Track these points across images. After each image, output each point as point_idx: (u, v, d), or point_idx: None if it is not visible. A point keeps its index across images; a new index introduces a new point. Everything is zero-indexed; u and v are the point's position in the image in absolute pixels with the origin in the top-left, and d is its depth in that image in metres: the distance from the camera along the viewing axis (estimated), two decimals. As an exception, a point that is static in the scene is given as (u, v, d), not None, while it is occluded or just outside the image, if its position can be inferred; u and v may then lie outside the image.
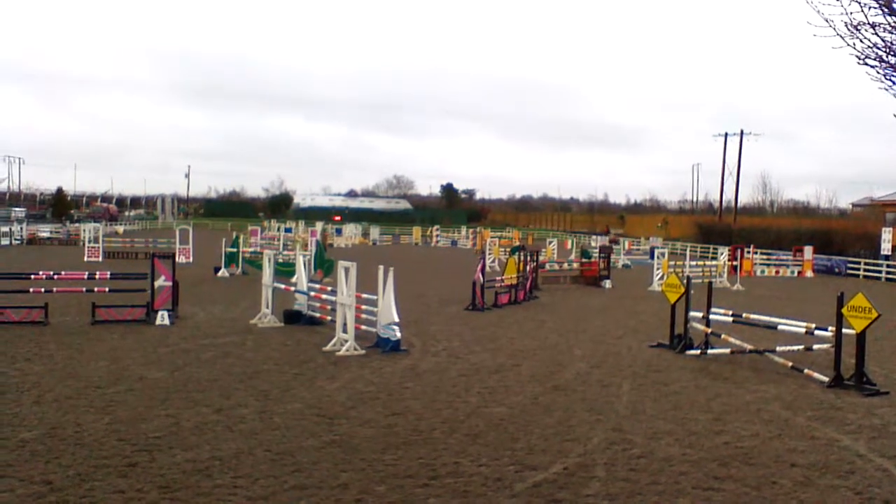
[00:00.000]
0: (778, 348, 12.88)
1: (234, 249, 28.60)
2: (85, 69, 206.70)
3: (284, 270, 23.22)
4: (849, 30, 7.39)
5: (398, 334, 13.16)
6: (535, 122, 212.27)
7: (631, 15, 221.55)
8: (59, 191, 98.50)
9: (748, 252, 37.32)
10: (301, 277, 16.74)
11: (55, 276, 16.47)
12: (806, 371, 11.93)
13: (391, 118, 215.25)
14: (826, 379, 11.39)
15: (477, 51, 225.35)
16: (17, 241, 45.41)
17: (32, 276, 16.27)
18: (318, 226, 50.38)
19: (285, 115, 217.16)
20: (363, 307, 13.65)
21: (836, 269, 39.97)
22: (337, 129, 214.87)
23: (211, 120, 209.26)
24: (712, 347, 13.64)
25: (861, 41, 7.42)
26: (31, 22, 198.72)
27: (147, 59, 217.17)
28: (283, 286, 17.03)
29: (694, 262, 32.05)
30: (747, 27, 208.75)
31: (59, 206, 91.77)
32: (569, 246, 45.11)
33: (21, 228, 48.16)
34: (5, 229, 46.72)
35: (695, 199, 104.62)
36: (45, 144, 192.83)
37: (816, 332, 11.89)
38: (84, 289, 16.86)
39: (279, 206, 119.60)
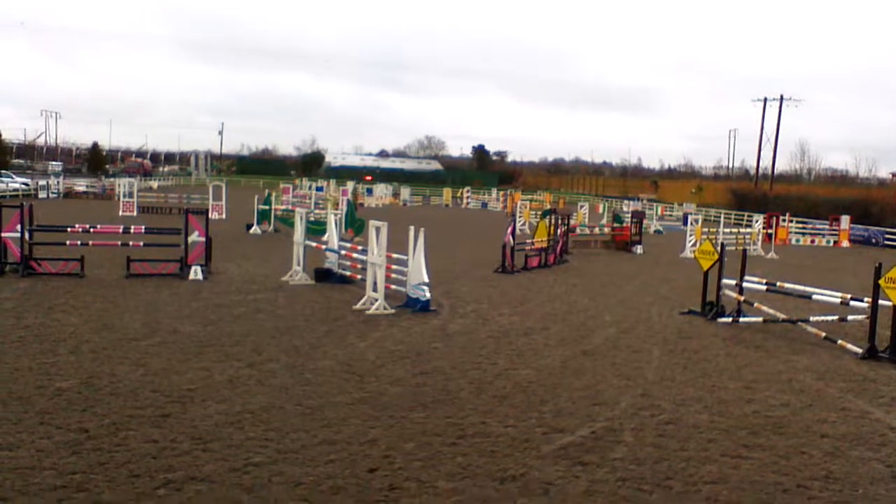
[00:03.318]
0: (812, 318, 12.71)
1: (267, 207, 28.79)
2: (114, 25, 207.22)
3: (315, 229, 23.32)
4: None
5: (428, 294, 13.19)
6: (570, 85, 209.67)
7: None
8: (95, 146, 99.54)
9: (783, 220, 36.76)
10: (332, 236, 16.81)
11: (91, 230, 16.71)
12: (839, 342, 11.77)
13: (418, 79, 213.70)
14: (860, 350, 11.23)
15: (512, 14, 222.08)
16: (55, 195, 46.12)
17: (69, 230, 16.52)
18: (350, 185, 50.52)
19: (309, 75, 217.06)
20: (393, 267, 13.69)
21: (874, 240, 39.24)
22: (362, 89, 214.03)
23: (236, 78, 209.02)
24: (744, 316, 13.50)
25: None
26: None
27: (163, 14, 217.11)
28: (314, 244, 17.13)
29: (728, 230, 31.63)
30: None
31: (95, 160, 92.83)
32: (600, 210, 44.75)
33: (58, 182, 48.86)
34: (43, 182, 47.47)
35: (730, 166, 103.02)
36: (81, 99, 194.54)
37: (852, 302, 11.70)
38: (119, 243, 17.09)
39: (311, 164, 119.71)
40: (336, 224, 17.41)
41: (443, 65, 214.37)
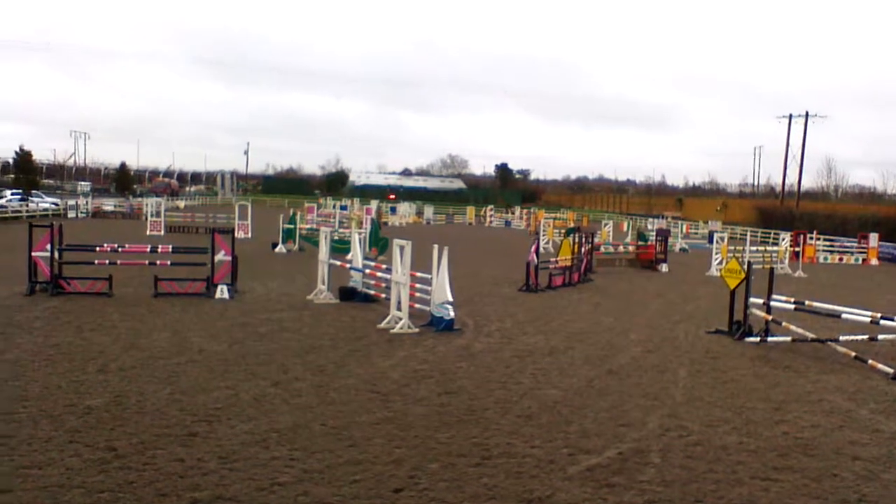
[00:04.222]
0: (841, 337, 12.53)
1: (292, 226, 29.00)
2: (143, 46, 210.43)
3: (340, 248, 23.44)
4: None
5: (452, 313, 13.18)
6: (593, 103, 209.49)
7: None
8: (123, 166, 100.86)
9: (811, 238, 36.37)
10: (356, 255, 16.88)
11: (119, 249, 16.92)
12: (870, 362, 11.58)
13: (440, 97, 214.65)
14: (891, 370, 11.04)
15: (536, 32, 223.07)
16: (83, 214, 46.80)
17: (97, 249, 16.74)
18: (373, 204, 50.73)
19: (333, 95, 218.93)
20: (417, 286, 13.70)
21: (903, 258, 38.64)
22: (384, 108, 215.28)
23: (262, 98, 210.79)
24: (772, 335, 13.34)
25: None
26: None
27: (187, 37, 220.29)
28: (338, 263, 17.21)
29: (754, 248, 31.33)
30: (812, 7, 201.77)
31: (123, 180, 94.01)
32: (624, 228, 44.59)
33: (87, 202, 49.59)
34: (72, 202, 48.20)
35: (756, 183, 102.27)
36: (109, 118, 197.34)
37: (882, 321, 11.52)
38: (147, 262, 17.28)
39: (335, 183, 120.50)
40: (360, 243, 17.49)
41: (465, 83, 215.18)
